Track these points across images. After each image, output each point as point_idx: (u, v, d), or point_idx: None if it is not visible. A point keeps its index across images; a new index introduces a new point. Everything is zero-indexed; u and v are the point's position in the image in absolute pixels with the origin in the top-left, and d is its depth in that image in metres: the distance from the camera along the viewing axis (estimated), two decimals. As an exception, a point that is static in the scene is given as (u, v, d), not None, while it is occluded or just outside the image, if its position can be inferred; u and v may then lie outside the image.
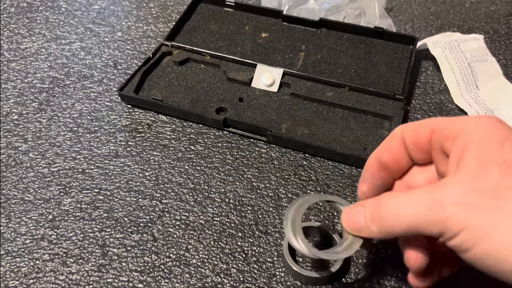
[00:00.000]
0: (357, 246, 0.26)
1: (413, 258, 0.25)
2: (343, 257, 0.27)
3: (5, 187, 0.37)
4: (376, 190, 0.27)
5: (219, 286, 0.31)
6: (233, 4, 0.51)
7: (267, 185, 0.37)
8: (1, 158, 0.39)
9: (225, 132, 0.41)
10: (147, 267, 0.32)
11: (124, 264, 0.32)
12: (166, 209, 0.35)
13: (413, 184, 0.28)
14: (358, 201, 0.28)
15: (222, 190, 0.37)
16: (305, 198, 0.29)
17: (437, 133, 0.24)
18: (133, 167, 0.38)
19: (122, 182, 0.37)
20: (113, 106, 0.43)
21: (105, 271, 0.32)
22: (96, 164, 0.38)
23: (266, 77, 0.43)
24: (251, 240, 0.33)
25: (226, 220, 0.35)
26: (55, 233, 0.34)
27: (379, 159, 0.27)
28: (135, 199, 0.36)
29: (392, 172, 0.28)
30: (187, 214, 0.35)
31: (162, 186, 0.37)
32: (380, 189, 0.28)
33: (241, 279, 0.31)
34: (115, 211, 0.35)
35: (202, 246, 0.33)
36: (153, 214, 0.35)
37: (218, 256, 0.33)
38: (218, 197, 0.36)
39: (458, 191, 0.21)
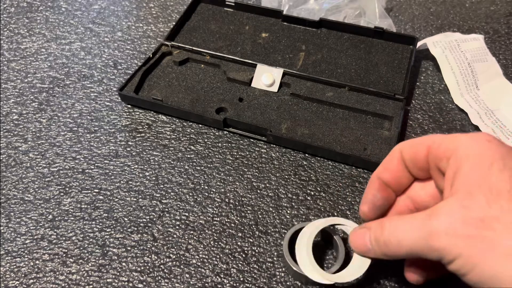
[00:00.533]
0: (367, 265, 0.28)
1: (412, 277, 0.28)
2: (354, 278, 0.29)
3: (5, 187, 0.37)
4: (377, 210, 0.29)
5: (219, 286, 0.31)
6: (233, 4, 0.51)
7: (267, 185, 0.37)
8: (1, 158, 0.39)
9: (225, 132, 0.41)
10: (147, 267, 0.32)
11: (124, 264, 0.32)
12: (166, 209, 0.35)
13: (417, 199, 0.29)
14: (362, 222, 0.29)
15: (222, 190, 0.37)
16: (314, 225, 0.31)
17: (433, 152, 0.26)
18: (133, 167, 0.38)
19: (122, 182, 0.37)
20: (113, 106, 0.43)
21: (105, 271, 0.32)
22: (96, 164, 0.38)
23: (266, 77, 0.43)
24: (251, 240, 0.33)
25: (226, 220, 0.35)
26: (55, 233, 0.34)
27: (380, 178, 0.29)
28: (135, 199, 0.36)
29: (394, 189, 0.29)
30: (187, 214, 0.35)
31: (162, 186, 0.37)
32: (382, 208, 0.29)
33: (241, 279, 0.31)
34: (115, 211, 0.35)
35: (202, 246, 0.33)
36: (153, 214, 0.35)
37: (218, 256, 0.33)
38: (218, 197, 0.36)
39: (450, 221, 0.22)
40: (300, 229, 0.31)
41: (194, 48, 0.46)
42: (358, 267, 0.29)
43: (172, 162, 0.38)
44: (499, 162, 0.22)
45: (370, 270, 0.32)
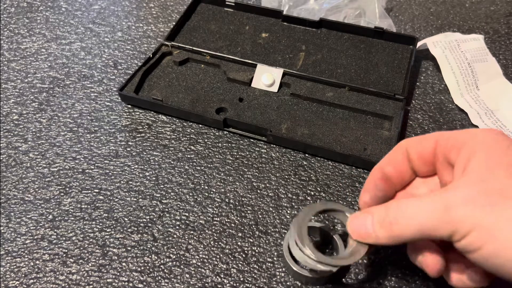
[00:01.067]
0: (363, 252, 0.27)
1: (432, 262, 0.25)
2: (348, 263, 0.27)
3: (5, 187, 0.37)
4: (377, 200, 0.28)
5: (219, 286, 0.31)
6: (233, 4, 0.51)
7: (267, 185, 0.37)
8: (1, 158, 0.39)
9: (225, 132, 0.41)
10: (147, 267, 0.32)
11: (124, 264, 0.32)
12: (166, 209, 0.35)
13: (417, 195, 0.28)
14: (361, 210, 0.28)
15: (222, 190, 0.37)
16: (311, 206, 0.29)
17: (442, 145, 0.25)
18: (133, 167, 0.38)
19: (122, 182, 0.37)
20: (113, 106, 0.43)
21: (105, 271, 0.32)
22: (96, 164, 0.38)
23: (266, 77, 0.43)
24: (251, 240, 0.33)
25: (226, 220, 0.35)
26: (55, 233, 0.34)
27: (382, 170, 0.28)
28: (135, 199, 0.36)
29: (395, 184, 0.29)
30: (187, 214, 0.35)
31: (162, 186, 0.37)
32: (382, 200, 0.28)
33: (241, 279, 0.31)
34: (115, 211, 0.35)
35: (202, 246, 0.33)
36: (153, 214, 0.35)
37: (218, 256, 0.33)
38: (218, 197, 0.36)
39: (467, 192, 0.21)
40: (303, 211, 0.29)
41: (194, 48, 0.46)
42: (352, 251, 0.27)
43: (172, 162, 0.38)
44: None
45: (370, 270, 0.32)
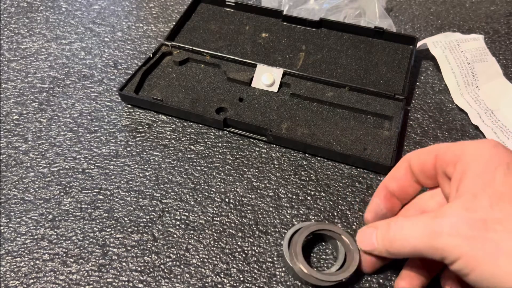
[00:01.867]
0: (353, 268, 0.29)
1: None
2: (339, 279, 0.29)
3: (5, 187, 0.37)
4: (380, 218, 0.30)
5: (219, 286, 0.31)
6: (233, 4, 0.51)
7: (267, 185, 0.37)
8: (1, 158, 0.39)
9: (225, 132, 0.41)
10: (147, 267, 0.32)
11: (124, 264, 0.32)
12: (166, 209, 0.35)
13: (426, 208, 0.30)
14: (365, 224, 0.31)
15: (222, 190, 0.37)
16: (308, 224, 0.32)
17: (440, 159, 0.26)
18: (133, 167, 0.38)
19: (122, 182, 0.37)
20: (113, 106, 0.43)
21: (105, 271, 0.32)
22: (96, 164, 0.38)
23: (266, 77, 0.43)
24: (251, 240, 0.33)
25: (226, 220, 0.35)
26: (55, 233, 0.34)
27: (386, 188, 0.30)
28: (135, 199, 0.36)
29: (399, 198, 0.30)
30: (187, 214, 0.35)
31: (162, 186, 0.37)
32: (385, 217, 0.30)
33: (241, 279, 0.31)
34: (115, 211, 0.35)
35: (202, 246, 0.33)
36: (153, 214, 0.35)
37: (218, 256, 0.33)
38: (218, 197, 0.36)
39: (453, 222, 0.22)
40: (300, 229, 0.32)
41: (194, 48, 0.46)
42: (345, 266, 0.30)
43: (172, 162, 0.38)
44: (504, 166, 0.23)
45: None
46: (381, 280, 0.31)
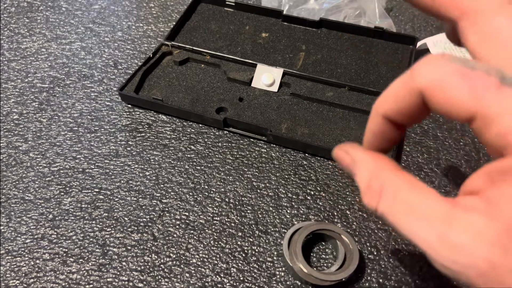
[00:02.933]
0: (353, 268, 0.30)
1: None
2: (339, 278, 0.30)
3: (5, 186, 0.37)
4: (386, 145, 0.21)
5: (219, 285, 0.31)
6: (233, 4, 0.51)
7: (267, 184, 0.37)
8: (1, 157, 0.39)
9: (225, 132, 0.41)
10: (147, 266, 0.32)
11: (124, 263, 0.32)
12: (166, 209, 0.35)
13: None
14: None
15: (222, 189, 0.37)
16: (307, 224, 0.32)
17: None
18: (133, 167, 0.38)
19: (122, 181, 0.37)
20: (113, 106, 0.43)
21: (105, 270, 0.32)
22: (97, 164, 0.38)
23: (266, 77, 0.43)
24: (251, 239, 0.34)
25: (226, 219, 0.35)
26: (55, 233, 0.34)
27: (384, 117, 0.19)
28: (135, 198, 0.36)
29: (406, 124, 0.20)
30: (187, 213, 0.35)
31: (162, 185, 0.37)
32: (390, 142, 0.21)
33: (241, 278, 0.31)
34: (115, 210, 0.35)
35: (202, 245, 0.33)
36: (153, 213, 0.35)
37: (218, 256, 0.33)
38: (218, 196, 0.36)
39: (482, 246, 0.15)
40: (300, 229, 0.32)
41: (194, 48, 0.46)
42: (345, 266, 0.30)
43: (172, 162, 0.39)
44: None
45: (370, 271, 0.32)
46: (381, 280, 0.31)
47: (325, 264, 0.32)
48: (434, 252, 0.15)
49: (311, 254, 0.33)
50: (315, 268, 0.31)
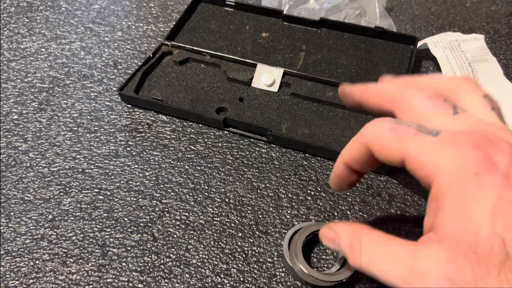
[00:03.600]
0: (353, 268, 0.29)
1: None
2: (339, 279, 0.29)
3: (5, 187, 0.37)
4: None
5: (219, 286, 0.31)
6: (233, 3, 0.50)
7: (267, 185, 0.37)
8: (1, 157, 0.39)
9: (225, 132, 0.41)
10: (147, 267, 0.32)
11: (124, 264, 0.32)
12: (166, 209, 0.35)
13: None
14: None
15: (222, 190, 0.37)
16: (308, 225, 0.32)
17: (409, 164, 0.21)
18: (133, 167, 0.38)
19: (122, 182, 0.37)
20: (113, 106, 0.43)
21: (105, 271, 0.32)
22: (96, 164, 0.38)
23: (267, 77, 0.43)
24: (251, 240, 0.33)
25: (226, 220, 0.35)
26: (55, 233, 0.34)
27: (346, 165, 0.26)
28: (135, 199, 0.36)
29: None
30: (187, 214, 0.35)
31: (162, 186, 0.37)
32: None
33: (241, 279, 0.31)
34: (115, 211, 0.35)
35: (202, 246, 0.33)
36: (153, 214, 0.35)
37: (218, 256, 0.32)
38: (218, 197, 0.36)
39: (435, 270, 0.18)
40: (300, 229, 0.32)
41: (194, 48, 0.46)
42: (346, 267, 0.30)
43: (172, 162, 0.38)
44: (488, 220, 0.18)
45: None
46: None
47: (325, 265, 0.32)
48: (408, 284, 0.19)
49: (311, 254, 0.33)
50: (315, 269, 0.31)
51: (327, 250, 0.33)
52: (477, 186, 0.18)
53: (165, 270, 0.32)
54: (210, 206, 0.35)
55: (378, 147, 0.22)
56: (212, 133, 0.41)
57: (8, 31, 0.52)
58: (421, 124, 0.21)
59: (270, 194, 0.36)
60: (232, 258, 0.32)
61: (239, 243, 0.33)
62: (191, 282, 0.31)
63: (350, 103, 0.28)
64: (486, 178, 0.18)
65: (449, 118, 0.21)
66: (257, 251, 0.33)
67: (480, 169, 0.18)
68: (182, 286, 0.31)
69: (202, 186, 0.37)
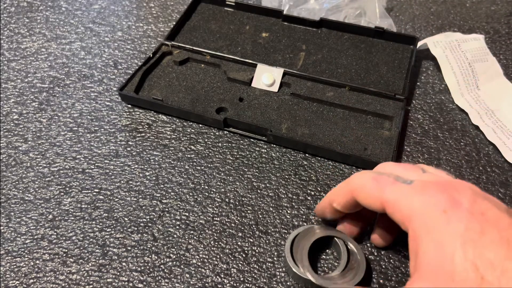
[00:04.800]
0: (361, 275, 0.29)
1: (377, 241, 0.32)
2: (348, 286, 0.30)
3: (5, 186, 0.37)
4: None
5: (219, 286, 0.31)
6: (233, 4, 0.51)
7: (267, 185, 0.37)
8: (1, 157, 0.39)
9: (225, 132, 0.41)
10: (147, 267, 0.32)
11: (124, 264, 0.32)
12: (166, 209, 0.35)
13: None
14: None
15: (222, 190, 0.37)
16: (311, 230, 0.32)
17: (389, 210, 0.24)
18: (133, 167, 0.38)
19: (122, 182, 0.37)
20: (113, 106, 0.43)
21: (105, 271, 0.32)
22: (96, 164, 0.38)
23: (267, 77, 0.43)
24: (251, 240, 0.33)
25: (226, 220, 0.35)
26: (55, 233, 0.34)
27: (332, 206, 0.30)
28: (135, 199, 0.36)
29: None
30: (187, 214, 0.35)
31: (162, 186, 0.37)
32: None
33: (241, 279, 0.31)
34: (115, 211, 0.35)
35: (202, 246, 0.33)
36: (153, 214, 0.35)
37: (218, 256, 0.33)
38: (218, 197, 0.36)
39: None
40: (301, 233, 0.32)
41: (194, 48, 0.46)
42: (353, 273, 0.30)
43: (172, 162, 0.38)
44: (459, 249, 0.20)
45: (370, 272, 0.32)
46: (381, 281, 0.31)
47: (325, 265, 0.32)
48: None
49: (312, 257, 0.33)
50: (322, 273, 0.31)
51: (327, 251, 0.33)
52: (447, 222, 0.21)
53: (165, 270, 0.32)
54: (210, 206, 0.36)
55: (362, 194, 0.26)
56: (212, 133, 0.41)
57: (8, 31, 0.52)
58: (399, 175, 0.25)
59: (270, 194, 0.36)
60: (232, 258, 0.32)
61: (239, 243, 0.33)
62: (191, 282, 0.31)
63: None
64: (453, 214, 0.21)
65: (420, 174, 0.25)
66: (257, 251, 0.33)
67: (447, 207, 0.21)
68: (182, 286, 0.31)
69: (202, 186, 0.37)
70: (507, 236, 0.20)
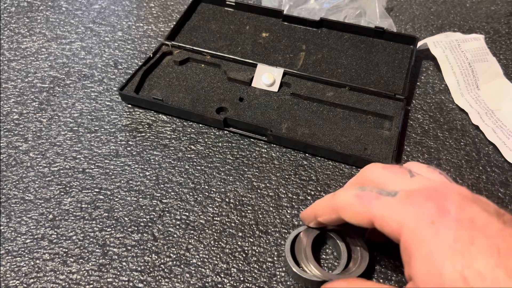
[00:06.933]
0: (365, 265, 0.30)
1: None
2: (355, 275, 0.30)
3: (5, 186, 0.37)
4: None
5: (219, 285, 0.31)
6: (233, 4, 0.51)
7: (268, 185, 0.37)
8: (1, 157, 0.39)
9: (225, 131, 0.41)
10: (148, 266, 0.32)
11: (124, 263, 0.32)
12: (167, 209, 0.35)
13: None
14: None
15: (223, 189, 0.37)
16: (310, 228, 0.32)
17: (378, 225, 0.24)
18: (133, 167, 0.38)
19: (122, 181, 0.37)
20: (113, 106, 0.43)
21: (105, 270, 0.32)
22: (97, 164, 0.38)
23: (267, 77, 0.43)
24: (251, 240, 0.33)
25: (227, 219, 0.35)
26: (55, 233, 0.34)
27: (317, 219, 0.29)
28: (135, 198, 0.36)
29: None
30: (187, 213, 0.35)
31: (162, 185, 0.37)
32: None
33: (241, 278, 0.31)
34: (116, 210, 0.35)
35: (202, 245, 0.33)
36: (154, 213, 0.35)
37: (218, 256, 0.33)
38: (218, 196, 0.36)
39: None
40: (301, 233, 0.32)
41: (194, 47, 0.46)
42: (358, 263, 0.30)
43: (172, 162, 0.38)
44: (448, 261, 0.20)
45: (370, 272, 0.32)
46: (381, 280, 0.31)
47: (325, 264, 0.32)
48: None
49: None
50: (326, 269, 0.31)
51: (327, 250, 0.33)
52: (435, 233, 0.21)
53: (165, 270, 0.32)
54: (210, 205, 0.36)
55: (348, 213, 0.25)
56: (212, 133, 0.41)
57: (8, 31, 0.52)
58: (381, 188, 0.25)
59: (270, 193, 0.36)
60: (232, 258, 0.32)
61: (239, 243, 0.33)
62: (191, 282, 0.31)
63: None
64: (441, 224, 0.21)
65: (407, 180, 0.25)
66: (257, 250, 0.33)
67: (435, 217, 0.21)
68: (182, 286, 0.31)
69: (202, 186, 0.37)
70: (496, 243, 0.20)
